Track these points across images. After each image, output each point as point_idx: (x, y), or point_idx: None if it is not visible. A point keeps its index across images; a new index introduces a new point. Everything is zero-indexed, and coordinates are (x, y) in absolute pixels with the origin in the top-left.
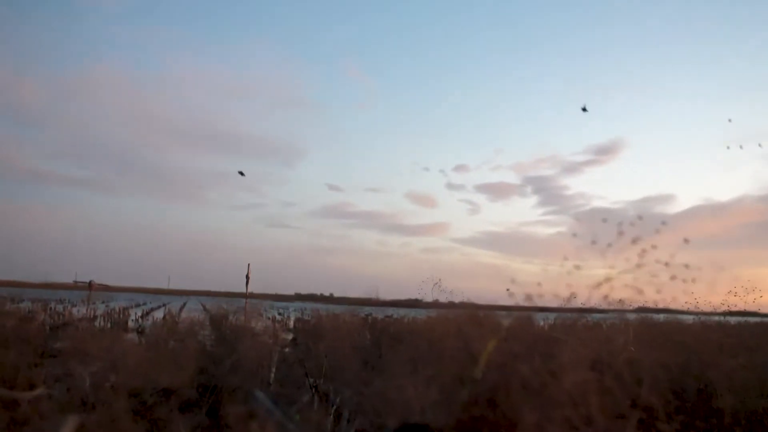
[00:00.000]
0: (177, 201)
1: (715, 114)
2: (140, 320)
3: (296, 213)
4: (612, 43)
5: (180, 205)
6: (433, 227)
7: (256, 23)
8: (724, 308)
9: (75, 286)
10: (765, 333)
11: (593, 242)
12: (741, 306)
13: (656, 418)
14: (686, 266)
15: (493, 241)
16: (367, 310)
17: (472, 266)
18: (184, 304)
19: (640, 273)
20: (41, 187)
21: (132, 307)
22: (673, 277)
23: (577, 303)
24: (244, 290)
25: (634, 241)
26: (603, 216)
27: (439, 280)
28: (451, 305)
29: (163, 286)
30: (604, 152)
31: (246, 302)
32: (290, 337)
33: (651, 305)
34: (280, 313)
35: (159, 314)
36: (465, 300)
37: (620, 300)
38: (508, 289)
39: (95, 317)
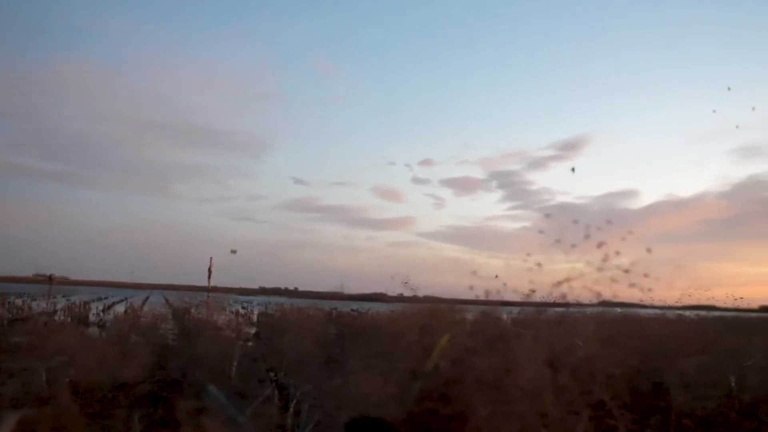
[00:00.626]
0: (143, 194)
1: (678, 111)
2: (101, 314)
3: (263, 207)
4: (577, 40)
5: (146, 198)
6: (398, 221)
7: (224, 16)
8: (682, 303)
9: (35, 280)
10: (721, 328)
11: (557, 240)
12: (699, 301)
13: (609, 415)
14: (646, 268)
15: (458, 235)
16: (332, 304)
17: (438, 260)
18: (147, 298)
19: (600, 273)
20: (2, 179)
21: (93, 300)
22: (633, 274)
23: (538, 299)
24: (207, 284)
25: (600, 244)
26: (567, 210)
27: (408, 278)
28: (415, 299)
29: (127, 279)
30: (569, 148)
31: (208, 296)
32: (253, 331)
33: (612, 299)
34: (243, 307)
35: (121, 308)
36: (429, 294)
37: (578, 299)
38: (471, 287)
39: (55, 311)
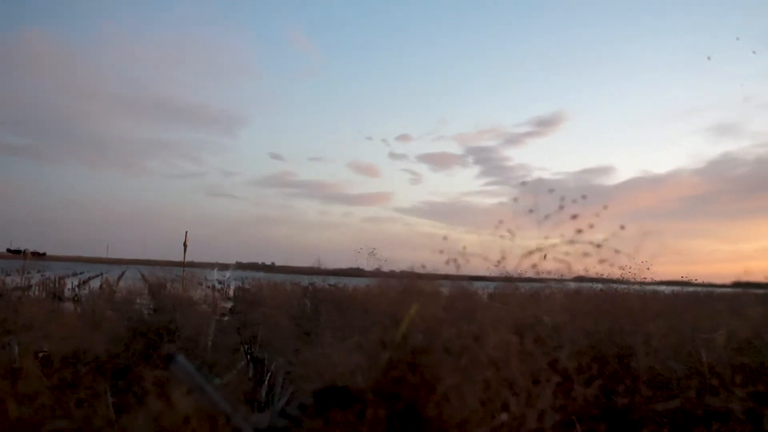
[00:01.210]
0: (116, 169)
1: (654, 87)
2: (77, 289)
3: (238, 182)
4: (553, 17)
5: (119, 173)
6: (375, 197)
7: None
8: (658, 278)
9: (8, 255)
10: (694, 302)
11: (530, 211)
12: (674, 276)
13: (574, 381)
14: (619, 243)
15: (434, 211)
16: (309, 279)
17: (414, 236)
18: (123, 273)
19: (572, 246)
20: None
21: (69, 276)
22: (605, 248)
23: (509, 269)
24: (183, 259)
25: (573, 216)
26: (544, 187)
27: (374, 249)
28: (392, 274)
29: (102, 255)
30: (546, 124)
31: (184, 271)
32: (230, 305)
33: (585, 274)
34: (220, 282)
35: (96, 283)
36: (406, 269)
37: (551, 271)
38: (441, 251)
39: (30, 286)
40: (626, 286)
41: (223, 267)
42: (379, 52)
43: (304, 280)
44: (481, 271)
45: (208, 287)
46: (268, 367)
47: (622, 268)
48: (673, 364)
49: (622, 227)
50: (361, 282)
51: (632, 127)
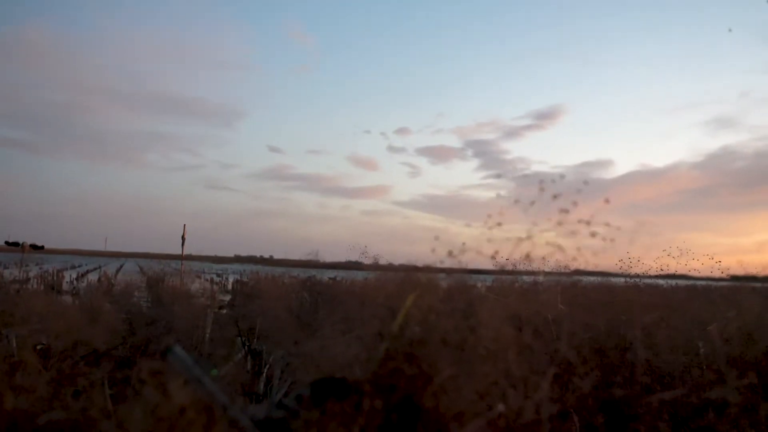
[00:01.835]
0: (114, 162)
1: (652, 81)
2: (75, 282)
3: (236, 175)
4: (553, 12)
5: (118, 166)
6: (373, 190)
7: None
8: (656, 272)
9: (6, 248)
10: (692, 294)
11: (532, 203)
12: (673, 269)
13: (573, 373)
14: (616, 235)
15: (433, 204)
16: (307, 272)
17: (412, 229)
18: (121, 266)
19: (567, 238)
20: None
21: (67, 269)
22: (601, 240)
23: (502, 261)
24: (181, 252)
25: (569, 208)
26: (543, 179)
27: (365, 246)
28: (390, 267)
29: (101, 248)
30: (545, 117)
31: (182, 264)
32: (227, 298)
33: (585, 268)
34: (218, 275)
35: (95, 276)
36: (404, 263)
37: (543, 258)
38: (433, 250)
39: (28, 279)
40: (624, 279)
41: (221, 260)
42: (377, 46)
43: (303, 273)
44: (479, 264)
45: (207, 280)
46: (266, 359)
47: (620, 260)
48: (670, 357)
49: (620, 222)
50: (358, 275)
51: (631, 120)
